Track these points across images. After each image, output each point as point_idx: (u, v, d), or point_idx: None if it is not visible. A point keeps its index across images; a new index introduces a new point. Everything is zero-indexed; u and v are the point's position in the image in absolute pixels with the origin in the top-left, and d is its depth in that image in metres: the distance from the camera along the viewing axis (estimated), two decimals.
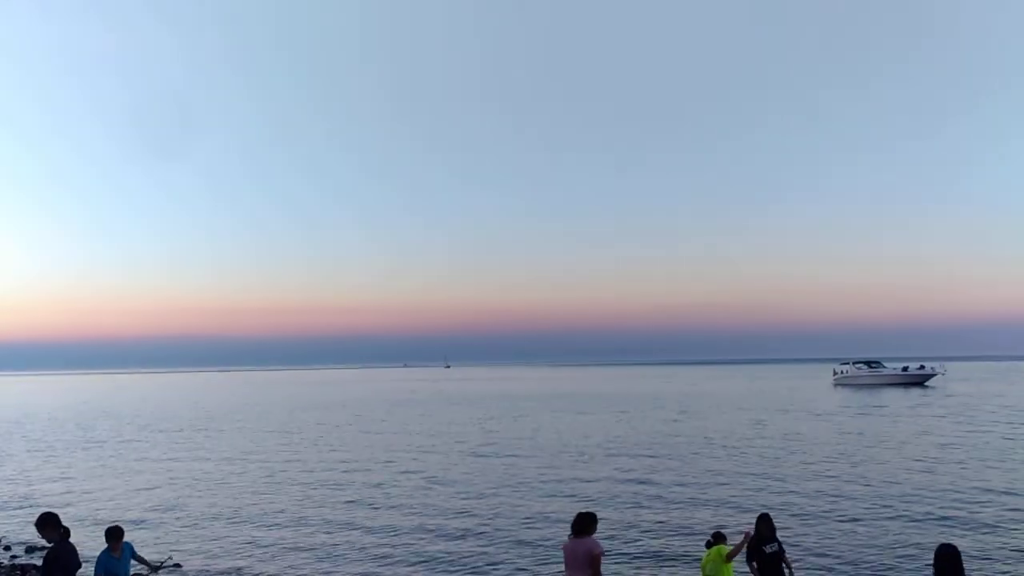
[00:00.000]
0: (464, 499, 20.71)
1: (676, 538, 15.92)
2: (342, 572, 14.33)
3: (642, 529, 16.75)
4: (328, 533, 17.18)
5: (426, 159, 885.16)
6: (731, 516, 17.50)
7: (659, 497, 20.26)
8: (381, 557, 15.15)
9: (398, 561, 14.84)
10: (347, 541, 16.38)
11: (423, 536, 16.69)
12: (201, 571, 14.56)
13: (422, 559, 14.90)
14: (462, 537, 16.52)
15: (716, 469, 24.61)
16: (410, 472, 25.74)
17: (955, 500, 19.04)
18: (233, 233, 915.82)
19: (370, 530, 17.38)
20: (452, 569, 14.24)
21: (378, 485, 23.26)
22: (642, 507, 19.11)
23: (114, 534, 8.76)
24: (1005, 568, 13.20)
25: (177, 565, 14.60)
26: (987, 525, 16.31)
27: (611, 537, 15.32)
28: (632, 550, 15.13)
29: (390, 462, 28.32)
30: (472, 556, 14.98)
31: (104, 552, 8.68)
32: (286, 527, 17.89)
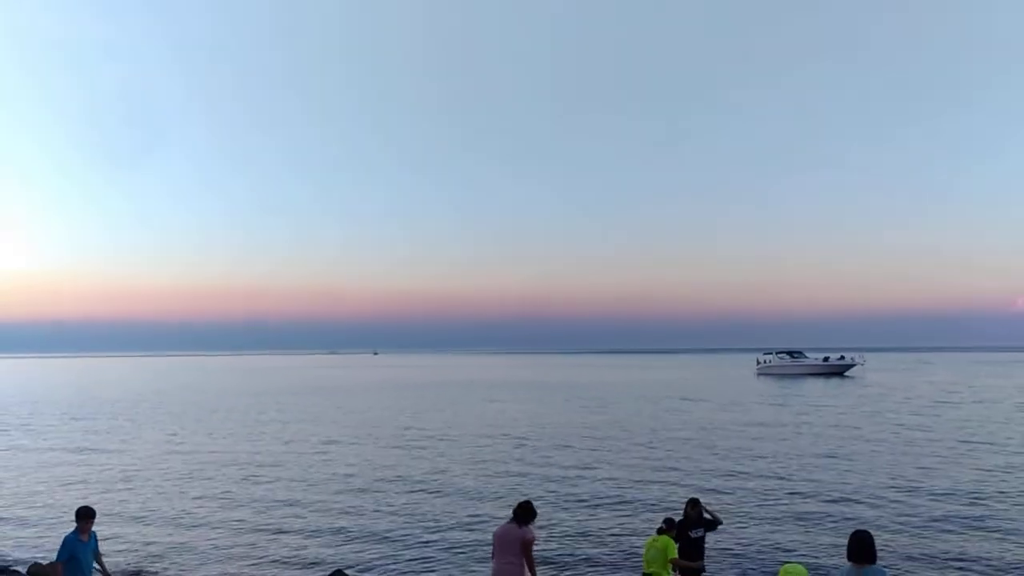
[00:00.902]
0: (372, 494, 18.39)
1: (575, 535, 13.90)
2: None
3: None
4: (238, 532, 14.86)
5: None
6: (644, 509, 16.38)
7: (564, 489, 18.17)
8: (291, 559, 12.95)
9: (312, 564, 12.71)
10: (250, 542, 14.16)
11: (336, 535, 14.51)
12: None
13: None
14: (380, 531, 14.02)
15: (629, 462, 22.83)
16: (332, 461, 23.35)
17: (858, 489, 18.30)
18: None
19: (291, 531, 15.04)
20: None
21: (299, 480, 20.71)
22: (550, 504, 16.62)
23: (84, 515, 8.23)
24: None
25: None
26: (890, 511, 15.53)
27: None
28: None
29: (321, 453, 25.72)
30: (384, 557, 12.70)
31: (72, 534, 8.22)
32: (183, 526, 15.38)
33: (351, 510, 16.61)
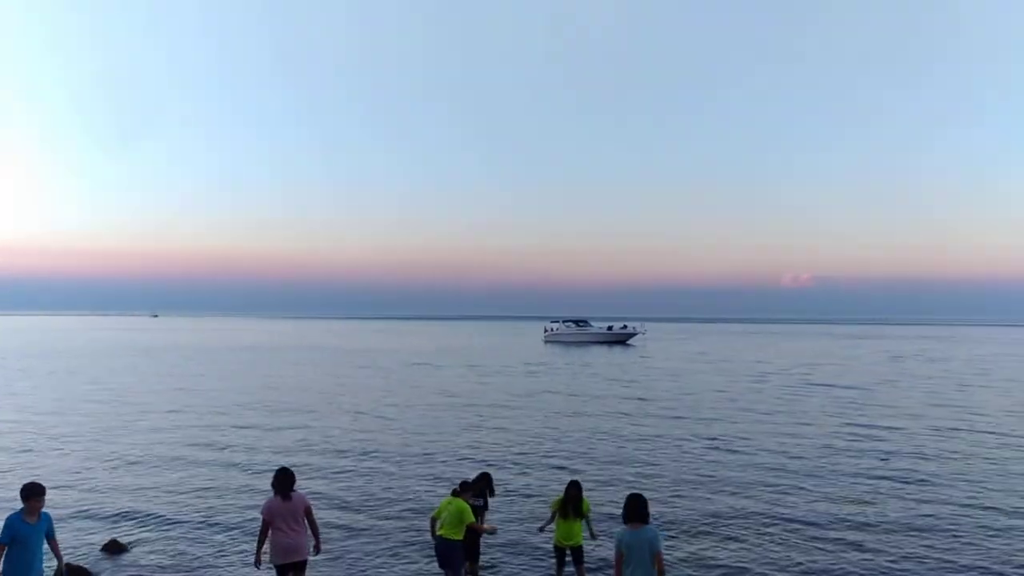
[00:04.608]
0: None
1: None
2: None
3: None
4: None
5: None
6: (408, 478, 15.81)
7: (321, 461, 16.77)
8: None
9: None
10: None
11: None
12: None
13: None
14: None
15: (409, 428, 21.80)
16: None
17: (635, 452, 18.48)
18: None
19: None
20: None
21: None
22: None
23: (31, 492, 7.08)
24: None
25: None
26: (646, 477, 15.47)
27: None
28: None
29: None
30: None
31: (16, 514, 7.06)
32: None
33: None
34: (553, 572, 9.76)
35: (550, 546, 10.22)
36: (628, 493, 7.30)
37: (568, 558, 9.38)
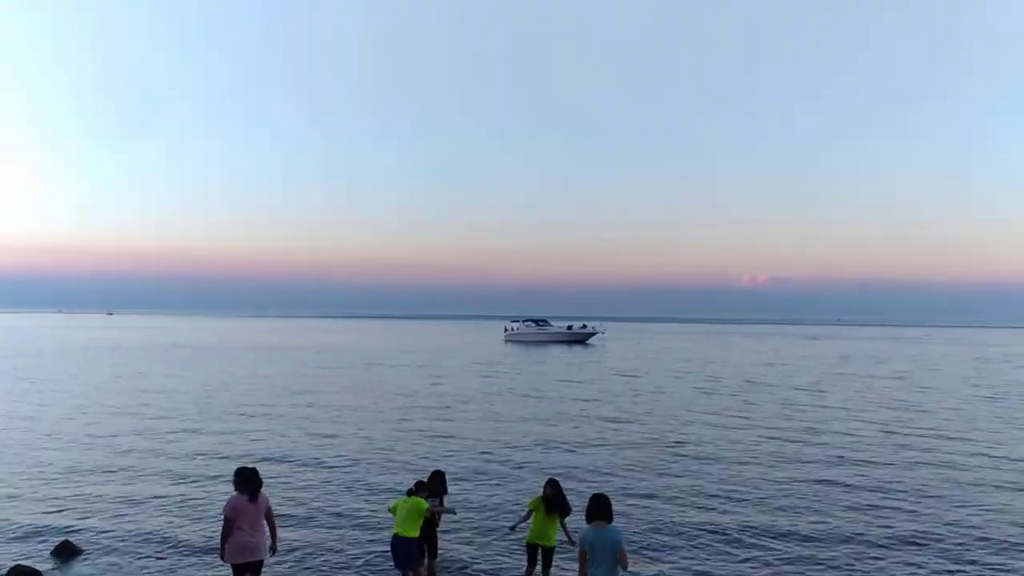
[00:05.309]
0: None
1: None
2: None
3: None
4: None
5: None
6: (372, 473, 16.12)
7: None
8: None
9: None
10: None
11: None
12: None
13: None
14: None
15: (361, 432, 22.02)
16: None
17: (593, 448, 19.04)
18: None
19: None
20: None
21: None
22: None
23: None
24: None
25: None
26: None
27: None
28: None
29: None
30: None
31: None
32: None
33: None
34: (522, 572, 9.73)
35: (508, 543, 10.49)
36: (592, 493, 7.40)
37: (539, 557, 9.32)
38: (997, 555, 11.47)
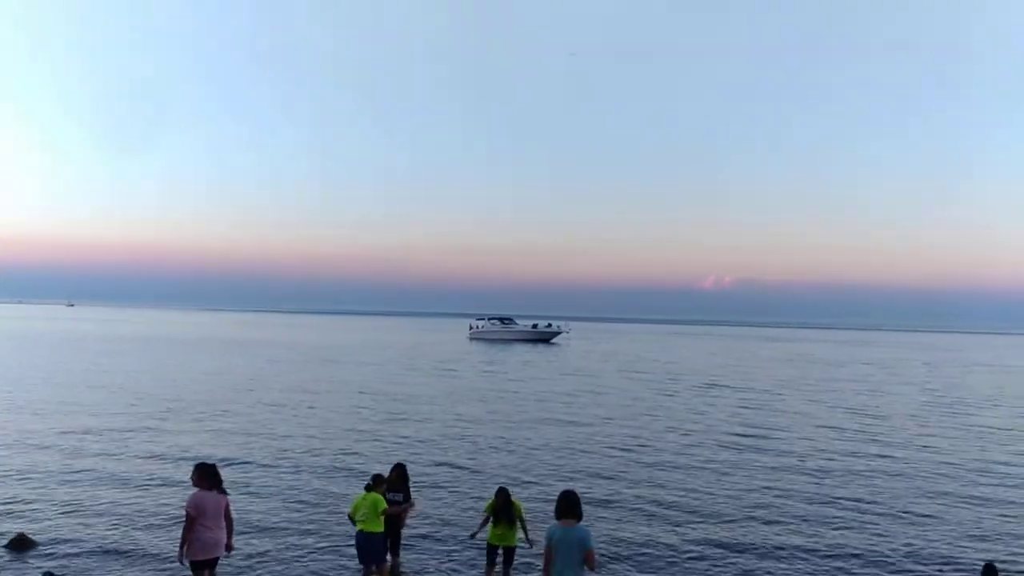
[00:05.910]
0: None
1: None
2: None
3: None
4: None
5: None
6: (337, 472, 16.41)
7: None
8: None
9: None
10: None
11: None
12: None
13: None
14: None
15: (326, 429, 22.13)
16: None
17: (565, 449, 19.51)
18: None
19: None
20: None
21: None
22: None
23: None
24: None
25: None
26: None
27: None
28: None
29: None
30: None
31: None
32: None
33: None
34: (483, 572, 9.79)
35: (473, 553, 10.55)
36: (562, 489, 7.19)
37: (499, 558, 9.48)
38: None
